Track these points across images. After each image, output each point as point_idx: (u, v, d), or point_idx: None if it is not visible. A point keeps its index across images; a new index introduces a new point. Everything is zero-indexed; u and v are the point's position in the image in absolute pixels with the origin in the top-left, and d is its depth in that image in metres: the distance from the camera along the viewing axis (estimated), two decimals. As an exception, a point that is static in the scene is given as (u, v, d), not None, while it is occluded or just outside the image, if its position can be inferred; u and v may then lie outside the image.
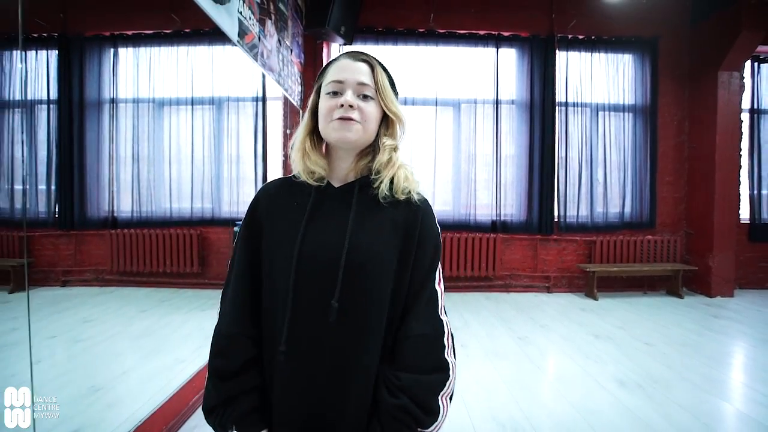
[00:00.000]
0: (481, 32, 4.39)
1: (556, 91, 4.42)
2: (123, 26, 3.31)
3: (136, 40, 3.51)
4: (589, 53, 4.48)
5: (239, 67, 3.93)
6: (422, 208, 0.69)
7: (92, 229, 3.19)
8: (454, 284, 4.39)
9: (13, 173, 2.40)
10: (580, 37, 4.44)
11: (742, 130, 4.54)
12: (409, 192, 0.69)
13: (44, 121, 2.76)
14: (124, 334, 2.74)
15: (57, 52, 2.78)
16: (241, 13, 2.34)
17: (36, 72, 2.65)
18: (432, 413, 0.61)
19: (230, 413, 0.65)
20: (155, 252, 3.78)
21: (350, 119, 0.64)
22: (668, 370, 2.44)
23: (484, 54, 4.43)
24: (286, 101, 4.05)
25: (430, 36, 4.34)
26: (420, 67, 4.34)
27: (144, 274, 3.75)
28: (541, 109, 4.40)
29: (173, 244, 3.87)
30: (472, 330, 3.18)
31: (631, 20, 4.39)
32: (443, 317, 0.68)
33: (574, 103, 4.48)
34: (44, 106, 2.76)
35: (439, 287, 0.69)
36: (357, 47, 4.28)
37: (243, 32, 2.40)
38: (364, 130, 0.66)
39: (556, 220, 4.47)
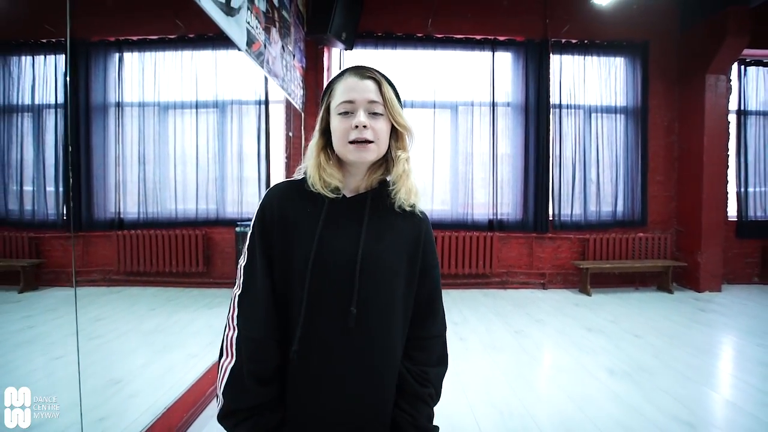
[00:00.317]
0: (478, 37, 4.52)
1: (551, 93, 4.56)
2: (128, 31, 3.39)
3: (141, 45, 3.59)
4: (582, 57, 4.62)
5: (242, 71, 4.03)
6: (424, 219, 0.77)
7: (99, 231, 3.26)
8: (452, 281, 4.52)
9: (23, 176, 2.49)
10: (573, 41, 4.58)
11: (730, 130, 4.71)
12: (413, 204, 0.75)
13: (52, 125, 2.84)
14: (136, 332, 2.84)
15: (64, 56, 2.86)
16: (248, 23, 2.45)
17: (44, 76, 2.73)
18: (439, 395, 0.77)
19: (263, 420, 0.67)
20: (161, 252, 3.87)
21: (366, 142, 0.68)
22: (655, 360, 2.59)
23: (481, 58, 4.56)
24: (288, 104, 4.15)
25: (428, 41, 4.47)
26: (418, 71, 4.47)
27: (150, 274, 3.83)
28: (536, 111, 4.54)
29: (179, 244, 3.95)
30: (471, 325, 3.31)
31: (622, 25, 4.53)
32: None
33: (567, 105, 4.62)
34: (52, 110, 2.84)
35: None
36: (357, 52, 4.39)
37: (251, 41, 2.51)
38: (379, 148, 0.70)
39: (550, 218, 4.61)
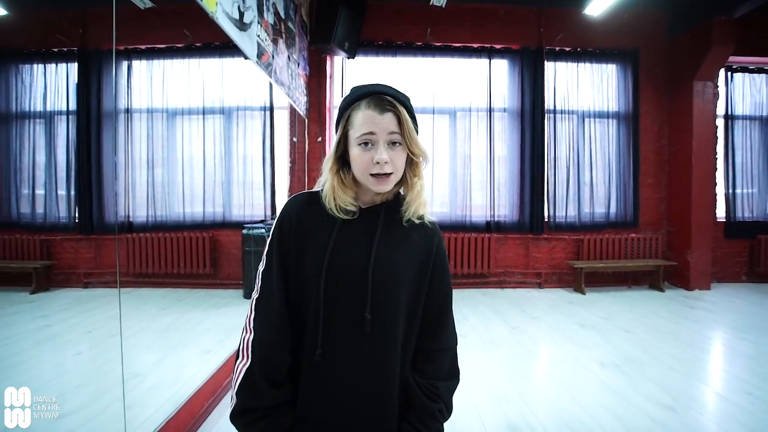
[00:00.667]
0: (475, 45, 4.68)
1: (545, 99, 4.73)
2: (137, 41, 3.51)
3: (150, 54, 3.73)
4: (575, 64, 4.79)
5: (248, 79, 4.17)
6: (436, 232, 0.79)
7: (110, 234, 3.36)
8: (452, 281, 4.65)
9: (35, 180, 2.60)
10: (567, 49, 4.75)
11: (718, 134, 4.89)
12: (422, 216, 0.77)
13: (64, 131, 2.95)
14: (150, 330, 2.96)
15: (77, 65, 2.98)
16: (259, 36, 2.60)
17: (56, 84, 2.86)
18: (450, 409, 0.77)
19: (275, 422, 0.69)
20: (169, 254, 3.97)
21: (386, 176, 0.70)
22: (643, 353, 2.74)
23: (478, 65, 4.72)
24: (292, 110, 4.30)
25: (427, 49, 4.63)
26: (418, 78, 4.63)
27: (159, 276, 3.95)
28: (531, 116, 4.71)
29: (186, 246, 4.05)
30: (470, 322, 3.45)
31: (613, 33, 4.71)
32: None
33: (561, 110, 4.79)
34: (63, 117, 2.96)
35: None
36: (359, 60, 4.55)
37: (261, 53, 2.66)
38: (397, 177, 0.72)
39: (546, 220, 4.77)
